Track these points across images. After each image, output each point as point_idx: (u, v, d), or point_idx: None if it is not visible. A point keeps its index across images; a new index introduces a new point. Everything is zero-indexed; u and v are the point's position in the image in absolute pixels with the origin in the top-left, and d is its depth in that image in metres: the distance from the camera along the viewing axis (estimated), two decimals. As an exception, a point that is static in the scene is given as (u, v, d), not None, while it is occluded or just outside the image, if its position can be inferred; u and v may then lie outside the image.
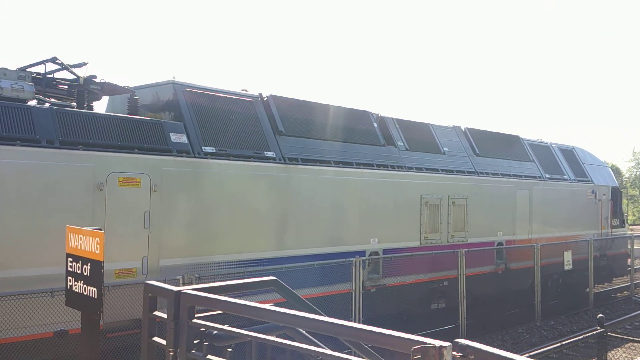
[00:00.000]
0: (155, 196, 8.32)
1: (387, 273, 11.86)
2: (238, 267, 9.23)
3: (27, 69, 8.47)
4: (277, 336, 3.50)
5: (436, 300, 13.43)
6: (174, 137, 8.75)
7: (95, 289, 4.67)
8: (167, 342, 3.62)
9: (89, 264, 4.75)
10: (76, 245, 4.93)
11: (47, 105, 7.77)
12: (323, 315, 3.44)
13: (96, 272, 4.64)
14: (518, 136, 17.27)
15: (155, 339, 3.86)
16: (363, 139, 12.01)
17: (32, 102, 7.87)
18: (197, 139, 9.02)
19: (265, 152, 9.92)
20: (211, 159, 9.07)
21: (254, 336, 3.31)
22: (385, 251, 11.98)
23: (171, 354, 3.57)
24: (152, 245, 8.30)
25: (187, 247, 8.69)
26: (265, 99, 10.66)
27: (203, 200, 8.88)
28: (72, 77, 8.66)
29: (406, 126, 13.53)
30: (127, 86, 9.36)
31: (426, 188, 13.09)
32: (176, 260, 8.54)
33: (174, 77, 9.44)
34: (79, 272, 4.86)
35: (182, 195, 8.65)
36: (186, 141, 8.87)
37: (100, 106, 9.50)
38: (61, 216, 7.35)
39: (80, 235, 4.89)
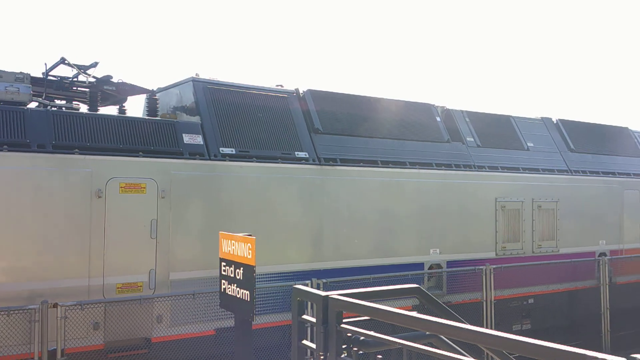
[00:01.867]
0: (164, 203, 7.62)
1: (452, 289, 10.32)
2: (264, 282, 8.28)
3: (49, 73, 8.19)
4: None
5: (519, 321, 11.59)
6: (187, 139, 8.01)
7: (248, 292, 5.06)
8: (316, 346, 3.78)
9: (242, 268, 5.17)
10: (229, 251, 5.41)
11: (42, 107, 7.36)
12: (469, 325, 3.23)
13: (249, 276, 5.06)
14: (626, 128, 14.74)
15: (305, 342, 4.08)
16: (421, 135, 10.59)
17: (34, 105, 7.52)
18: (215, 139, 8.22)
19: (296, 153, 8.91)
20: (230, 161, 8.22)
21: (405, 344, 3.34)
22: (449, 264, 10.45)
23: (322, 357, 3.71)
24: (161, 257, 7.60)
25: (201, 259, 7.89)
26: (301, 95, 9.66)
27: (220, 207, 8.05)
28: (89, 78, 8.23)
29: (479, 119, 11.86)
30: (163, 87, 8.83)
31: (503, 190, 11.34)
32: (188, 273, 7.77)
33: (196, 74, 8.75)
34: (232, 275, 5.34)
35: (195, 201, 7.88)
36: (201, 142, 8.10)
37: (135, 109, 9.10)
38: (55, 226, 6.86)
39: (232, 241, 5.37)
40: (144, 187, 7.50)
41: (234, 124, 8.56)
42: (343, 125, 9.76)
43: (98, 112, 7.77)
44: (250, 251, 4.98)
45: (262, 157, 8.54)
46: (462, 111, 11.73)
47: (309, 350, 4.17)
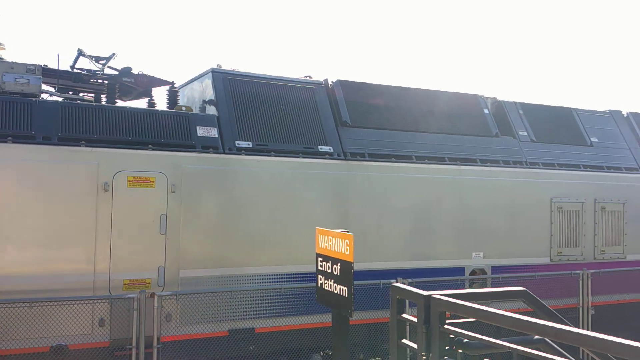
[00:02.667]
0: (174, 198, 7.34)
1: (497, 296, 9.42)
2: (279, 282, 7.84)
3: (74, 67, 8.16)
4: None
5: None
6: (201, 131, 7.69)
7: (345, 288, 5.09)
8: (418, 346, 3.73)
9: (339, 264, 5.20)
10: (326, 246, 5.44)
11: (52, 98, 7.27)
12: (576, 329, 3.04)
13: (346, 272, 5.08)
14: None
15: (405, 341, 4.04)
16: (465, 128, 9.75)
17: (47, 97, 7.46)
18: (231, 132, 7.86)
19: (319, 147, 8.38)
20: (245, 154, 7.83)
21: (517, 349, 3.23)
22: (494, 269, 9.56)
23: (424, 358, 3.66)
24: (170, 254, 7.32)
25: (213, 256, 7.55)
26: (330, 86, 9.12)
27: (234, 203, 7.67)
28: (105, 70, 8.11)
29: (535, 112, 10.83)
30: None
31: (559, 189, 10.27)
32: (199, 271, 7.45)
33: (217, 65, 8.42)
34: (329, 271, 5.37)
35: (207, 196, 7.54)
36: (216, 135, 7.76)
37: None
38: (60, 219, 6.73)
39: (329, 237, 5.37)
40: (153, 181, 7.24)
41: (254, 116, 8.16)
42: (375, 118, 9.13)
43: (108, 105, 7.60)
44: (348, 247, 5.04)
45: (281, 151, 8.08)
46: (515, 103, 10.75)
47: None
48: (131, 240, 7.12)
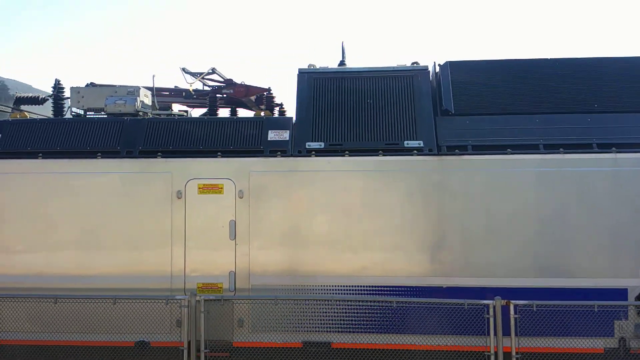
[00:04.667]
0: (242, 203, 7.33)
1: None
2: (356, 294, 7.14)
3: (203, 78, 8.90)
4: None
5: None
6: (272, 135, 7.51)
7: None
8: None
9: None
10: None
11: (141, 116, 7.99)
12: None
13: None
14: None
15: None
16: (622, 103, 7.32)
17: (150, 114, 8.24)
18: (303, 134, 7.47)
19: (406, 142, 7.32)
20: (315, 156, 7.33)
21: None
22: (680, 293, 6.93)
23: None
24: (240, 259, 7.33)
25: (283, 264, 7.28)
26: (437, 70, 7.90)
27: (303, 207, 7.26)
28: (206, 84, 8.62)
29: None
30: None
31: None
32: (269, 278, 7.28)
33: (309, 65, 8.13)
34: None
35: (275, 201, 7.31)
36: (287, 138, 7.48)
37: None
38: (140, 225, 7.39)
39: None
40: (222, 187, 7.37)
41: (334, 115, 7.59)
42: (491, 102, 7.55)
43: (183, 117, 8.02)
44: None
45: (358, 149, 7.32)
46: None
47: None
48: (203, 246, 7.37)
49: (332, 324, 7.15)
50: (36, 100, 8.77)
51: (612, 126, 7.18)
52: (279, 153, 7.40)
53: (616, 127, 7.18)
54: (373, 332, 7.05)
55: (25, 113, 8.31)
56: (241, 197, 7.33)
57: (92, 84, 8.90)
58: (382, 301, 6.97)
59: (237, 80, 8.65)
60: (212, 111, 8.42)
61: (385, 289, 7.13)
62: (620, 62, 7.62)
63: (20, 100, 8.71)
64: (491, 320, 6.60)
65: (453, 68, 7.84)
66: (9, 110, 8.41)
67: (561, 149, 7.12)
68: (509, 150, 7.16)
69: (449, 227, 7.14)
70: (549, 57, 7.80)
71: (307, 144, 7.40)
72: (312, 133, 7.46)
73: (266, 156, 7.40)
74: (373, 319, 7.07)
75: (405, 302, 6.96)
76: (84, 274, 7.44)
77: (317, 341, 7.18)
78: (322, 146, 7.37)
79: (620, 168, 7.03)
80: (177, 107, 9.03)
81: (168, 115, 8.06)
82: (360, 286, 7.18)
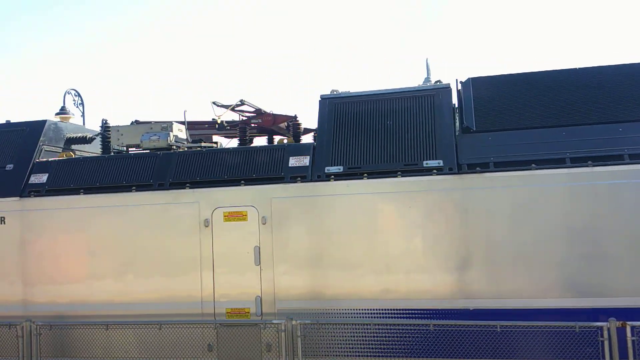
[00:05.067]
0: (265, 229, 7.50)
1: None
2: (379, 318, 7.05)
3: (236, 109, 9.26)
4: None
5: None
6: (293, 162, 7.65)
7: None
8: None
9: None
10: None
11: (173, 149, 8.37)
12: None
13: None
14: None
15: None
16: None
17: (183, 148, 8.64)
18: (323, 159, 7.57)
19: (425, 162, 7.22)
20: (334, 180, 7.39)
21: None
22: None
23: None
24: (265, 285, 7.47)
25: (307, 288, 7.34)
26: (458, 88, 7.78)
27: (323, 231, 7.32)
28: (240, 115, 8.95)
29: None
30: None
31: None
32: (294, 302, 7.36)
33: (332, 91, 8.25)
34: None
35: (296, 226, 7.41)
36: (307, 164, 7.59)
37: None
38: (172, 253, 7.73)
39: None
40: (245, 215, 7.58)
41: (353, 138, 7.64)
42: (513, 117, 7.32)
43: (208, 148, 8.31)
44: None
45: (376, 172, 7.30)
46: None
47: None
48: (230, 272, 7.58)
49: (358, 348, 7.09)
50: (84, 140, 9.44)
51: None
52: (299, 179, 7.52)
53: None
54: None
55: (72, 153, 8.96)
56: (264, 224, 7.50)
57: (136, 121, 9.48)
58: (485, 325, 6.48)
59: (266, 109, 8.90)
60: (243, 141, 8.70)
61: (408, 312, 7.00)
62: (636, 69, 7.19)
63: (70, 141, 9.41)
64: (606, 343, 6.12)
65: (475, 84, 7.70)
66: (59, 150, 9.10)
67: (588, 162, 6.76)
68: (533, 165, 6.89)
69: (472, 245, 6.93)
70: (576, 67, 7.48)
71: (327, 168, 7.48)
72: (332, 157, 7.54)
73: (287, 182, 7.54)
74: (394, 343, 6.94)
75: (510, 325, 6.43)
76: (122, 300, 7.84)
77: (344, 366, 7.14)
78: (341, 170, 7.42)
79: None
80: (217, 139, 9.45)
81: (196, 147, 8.40)
82: (384, 309, 7.09)
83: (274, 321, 7.10)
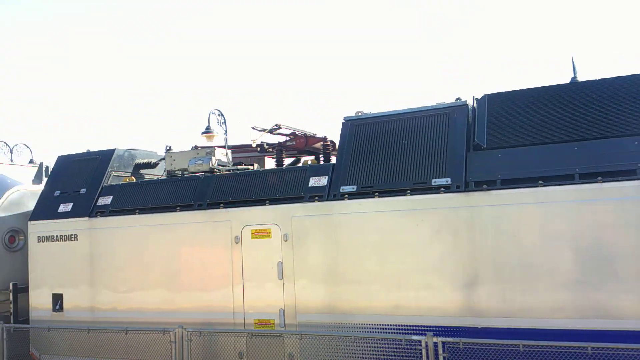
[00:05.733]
0: (287, 246, 8.03)
1: None
2: (395, 334, 7.28)
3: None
4: None
5: None
6: (313, 182, 8.12)
7: None
8: None
9: None
10: None
11: (225, 171, 9.16)
12: None
13: None
14: None
15: None
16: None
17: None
18: (340, 178, 7.96)
19: (433, 181, 7.36)
20: (348, 199, 7.74)
21: None
22: None
23: None
24: (288, 298, 7.99)
25: (325, 302, 7.74)
26: (474, 105, 7.82)
27: (339, 248, 7.69)
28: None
29: None
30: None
31: None
32: (314, 316, 7.80)
33: (356, 112, 8.64)
34: None
35: (314, 243, 7.85)
36: (324, 184, 8.03)
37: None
38: (209, 267, 8.51)
39: None
40: (269, 232, 8.16)
41: (369, 158, 7.95)
42: (524, 133, 7.24)
43: (243, 170, 8.99)
44: None
45: (386, 190, 7.55)
46: None
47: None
48: (258, 285, 8.19)
49: (371, 361, 7.35)
50: (149, 165, 10.60)
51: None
52: (316, 198, 7.98)
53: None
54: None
55: (133, 177, 10.12)
56: (286, 240, 8.04)
57: (195, 147, 10.47)
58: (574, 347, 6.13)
59: (307, 130, 9.47)
60: (279, 162, 9.33)
61: (418, 328, 7.15)
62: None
63: (138, 166, 10.62)
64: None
65: (491, 101, 7.70)
66: (127, 175, 10.31)
67: (598, 177, 6.53)
68: (540, 182, 6.79)
69: (480, 262, 6.95)
70: (595, 78, 7.23)
71: (342, 187, 7.87)
72: (347, 177, 7.91)
73: (305, 202, 8.03)
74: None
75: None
76: (170, 309, 8.76)
77: (358, 378, 7.43)
78: (355, 189, 7.77)
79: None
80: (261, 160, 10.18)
81: (231, 170, 9.16)
82: (394, 325, 7.30)
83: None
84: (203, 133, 9.86)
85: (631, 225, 6.35)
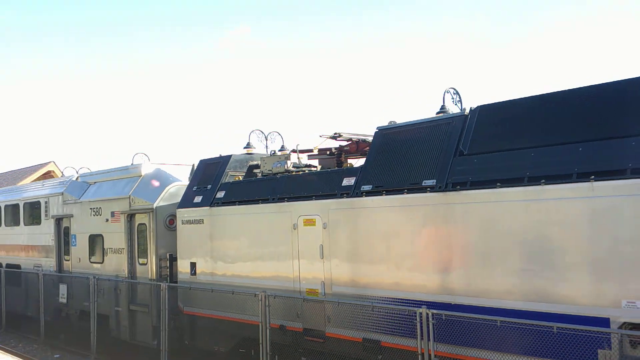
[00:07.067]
0: (326, 232, 10.25)
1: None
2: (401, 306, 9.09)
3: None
4: None
5: None
6: (345, 182, 10.15)
7: None
8: None
9: None
10: None
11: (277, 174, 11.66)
12: None
13: None
14: None
15: None
16: (607, 130, 7.11)
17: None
18: (363, 179, 9.86)
19: (424, 181, 8.89)
20: (365, 196, 9.63)
21: None
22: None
23: None
24: (326, 273, 10.23)
25: (349, 278, 9.81)
26: (468, 114, 9.05)
27: (357, 236, 9.66)
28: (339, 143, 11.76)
29: None
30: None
31: None
32: (343, 288, 9.93)
33: (390, 121, 10.39)
34: None
35: (343, 231, 9.92)
36: (352, 183, 10.00)
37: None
38: (279, 247, 11.15)
39: None
40: (314, 221, 10.45)
41: (385, 162, 9.70)
42: (500, 140, 8.35)
43: (294, 174, 11.32)
44: None
45: (391, 189, 9.27)
46: None
47: None
48: (308, 263, 10.58)
49: (384, 327, 9.23)
50: (258, 167, 13.57)
51: (588, 156, 7.13)
52: (345, 195, 10.02)
53: (589, 157, 7.11)
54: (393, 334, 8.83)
55: (239, 176, 13.17)
56: (325, 228, 10.26)
57: (273, 153, 13.15)
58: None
59: (354, 137, 11.48)
60: (339, 163, 11.51)
61: (412, 302, 8.79)
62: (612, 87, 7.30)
63: (251, 167, 13.68)
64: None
65: (482, 111, 8.85)
66: (242, 175, 13.40)
67: (542, 180, 7.49)
68: (498, 184, 7.94)
69: (453, 251, 8.37)
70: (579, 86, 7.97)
71: (362, 187, 9.79)
72: (367, 178, 9.79)
73: (338, 198, 10.13)
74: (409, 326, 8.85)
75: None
76: (256, 277, 11.63)
77: (372, 339, 9.40)
78: (370, 188, 9.64)
79: (601, 197, 6.95)
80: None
81: (292, 172, 11.60)
82: (400, 300, 9.03)
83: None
84: (245, 147, 12.69)
85: (566, 223, 7.23)
